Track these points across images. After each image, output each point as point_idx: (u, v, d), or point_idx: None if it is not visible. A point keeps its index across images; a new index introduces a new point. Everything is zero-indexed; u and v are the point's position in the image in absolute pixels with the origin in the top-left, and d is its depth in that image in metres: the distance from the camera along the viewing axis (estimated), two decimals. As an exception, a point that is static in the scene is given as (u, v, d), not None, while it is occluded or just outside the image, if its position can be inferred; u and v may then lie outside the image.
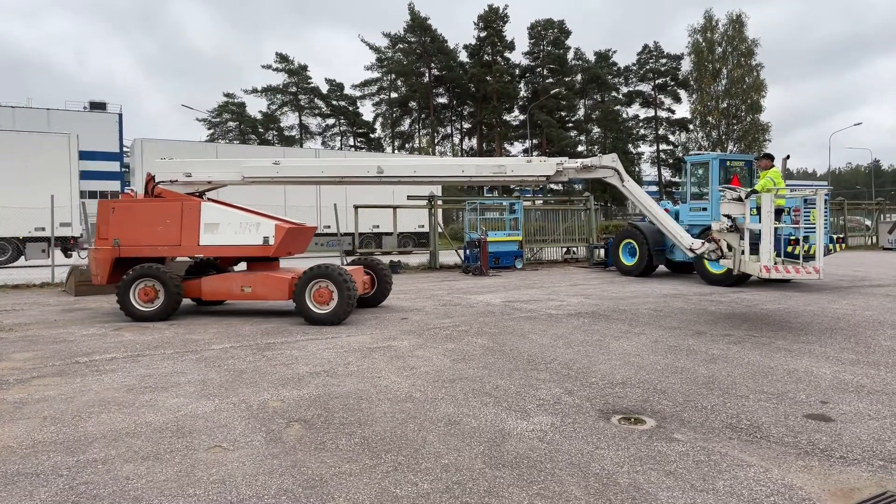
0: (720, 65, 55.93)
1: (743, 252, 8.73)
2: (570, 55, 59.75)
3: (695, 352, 6.59)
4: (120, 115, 71.96)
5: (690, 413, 4.55)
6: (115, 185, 69.76)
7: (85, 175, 66.61)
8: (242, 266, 10.42)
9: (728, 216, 8.76)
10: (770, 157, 11.58)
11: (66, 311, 10.39)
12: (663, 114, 63.07)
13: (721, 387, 5.23)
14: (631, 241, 15.46)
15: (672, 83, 60.29)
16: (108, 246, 9.47)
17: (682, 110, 62.69)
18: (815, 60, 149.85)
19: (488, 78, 57.05)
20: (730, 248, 8.92)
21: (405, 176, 9.62)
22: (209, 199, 10.01)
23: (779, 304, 10.18)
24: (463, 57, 59.71)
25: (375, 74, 61.70)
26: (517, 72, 59.31)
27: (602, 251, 17.95)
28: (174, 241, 9.33)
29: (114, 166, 70.04)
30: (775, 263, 8.32)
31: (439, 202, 18.03)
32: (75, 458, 3.77)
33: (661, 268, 15.76)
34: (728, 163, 14.29)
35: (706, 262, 13.33)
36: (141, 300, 9.11)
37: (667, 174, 61.45)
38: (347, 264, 9.99)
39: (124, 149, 72.98)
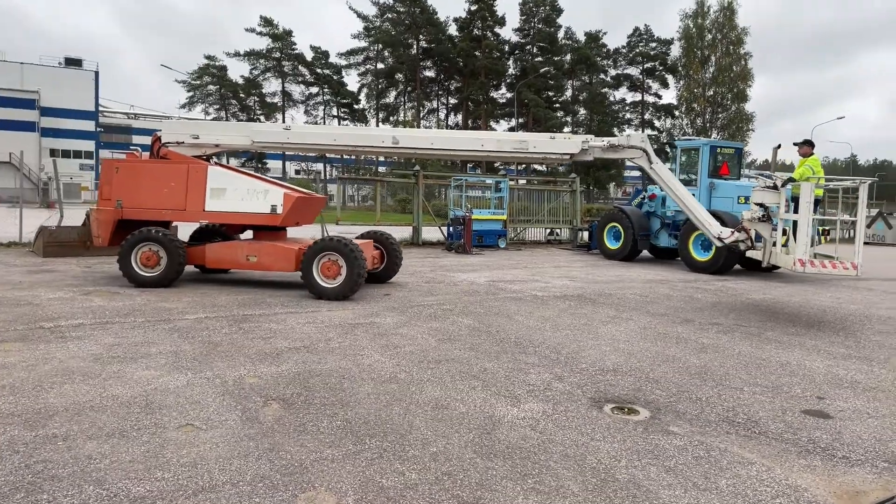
0: (709, 52, 55.80)
1: (774, 244, 8.50)
2: (561, 34, 59.07)
3: (685, 340, 6.47)
4: (96, 73, 69.65)
5: (685, 404, 4.41)
6: (89, 146, 67.95)
7: (58, 133, 64.47)
8: (249, 234, 10.08)
9: (761, 205, 8.38)
10: (811, 144, 10.64)
11: (32, 272, 9.94)
12: (650, 98, 63.00)
13: (714, 378, 5.10)
14: (616, 224, 15.33)
15: (661, 68, 60.04)
16: (111, 207, 9.07)
17: (669, 96, 62.66)
18: (802, 52, 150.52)
19: (477, 53, 56.20)
20: (758, 238, 8.65)
21: (421, 148, 9.26)
22: (216, 164, 9.63)
23: (764, 294, 10.14)
24: (452, 30, 58.71)
25: (362, 44, 60.48)
26: (506, 48, 58.47)
27: (586, 234, 17.82)
28: (179, 204, 8.95)
29: (89, 125, 68.03)
30: (811, 258, 7.86)
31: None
32: (34, 432, 3.49)
33: (645, 253, 15.70)
34: (718, 149, 14.18)
35: (691, 249, 13.30)
36: (143, 265, 8.76)
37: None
38: (357, 237, 9.72)
39: (100, 108, 70.92)
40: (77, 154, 66.45)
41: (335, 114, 65.95)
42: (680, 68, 57.10)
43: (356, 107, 65.06)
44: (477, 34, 56.99)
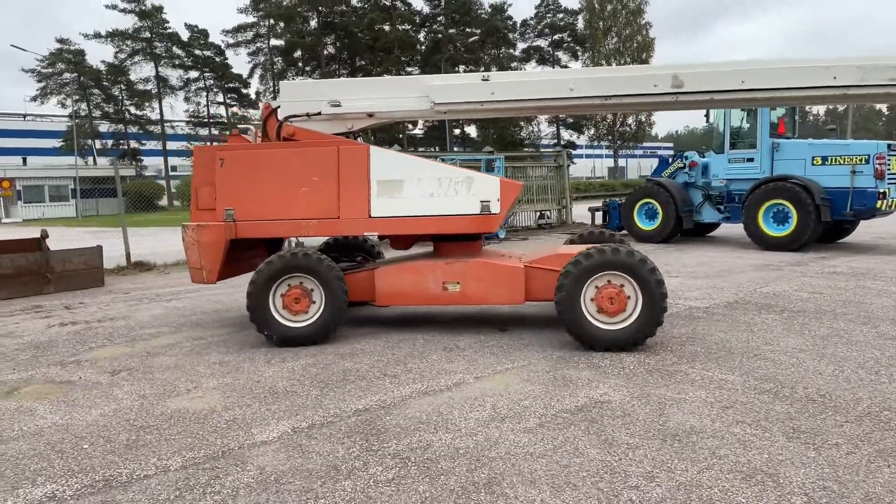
0: (611, 23, 55.80)
1: None
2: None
3: None
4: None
5: None
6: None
7: None
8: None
9: None
10: None
11: None
12: (559, 71, 62.08)
13: None
14: (651, 201, 13.04)
15: (569, 39, 59.30)
16: (218, 220, 5.67)
17: (578, 68, 62.21)
18: (672, 20, 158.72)
19: (385, 26, 52.22)
20: None
21: (727, 91, 5.61)
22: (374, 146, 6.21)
23: (924, 276, 8.20)
24: (355, 1, 54.15)
25: (251, 19, 54.43)
26: (417, 20, 54.87)
27: (599, 215, 15.47)
28: (328, 210, 5.61)
29: (-84, 125, 56.57)
30: None
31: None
32: None
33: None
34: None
35: (762, 223, 11.30)
36: (290, 309, 5.45)
37: (565, 134, 60.97)
38: (565, 242, 6.66)
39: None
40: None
41: (221, 100, 59.47)
42: (587, 40, 56.75)
43: (245, 91, 59.04)
44: (386, 4, 52.93)
